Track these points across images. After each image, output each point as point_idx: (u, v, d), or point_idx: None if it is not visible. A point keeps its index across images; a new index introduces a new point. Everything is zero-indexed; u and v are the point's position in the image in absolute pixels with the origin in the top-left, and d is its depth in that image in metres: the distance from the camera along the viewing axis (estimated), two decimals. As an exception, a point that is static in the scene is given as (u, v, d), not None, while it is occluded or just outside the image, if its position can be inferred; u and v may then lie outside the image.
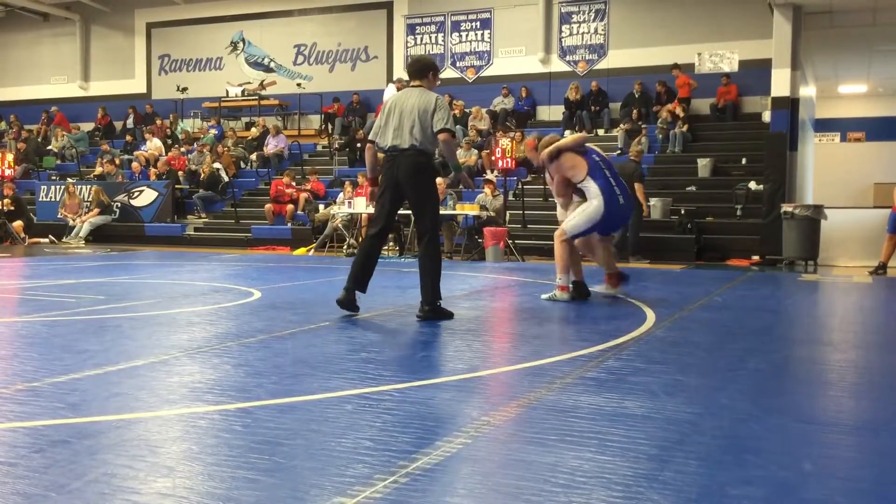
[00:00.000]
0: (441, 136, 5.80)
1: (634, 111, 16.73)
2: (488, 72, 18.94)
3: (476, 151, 16.33)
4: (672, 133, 15.83)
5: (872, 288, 9.33)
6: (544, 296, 7.12)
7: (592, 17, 17.96)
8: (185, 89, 20.89)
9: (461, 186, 5.97)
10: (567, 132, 17.13)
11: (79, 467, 2.51)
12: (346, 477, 2.45)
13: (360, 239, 13.62)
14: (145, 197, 17.38)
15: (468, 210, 12.98)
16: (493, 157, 14.48)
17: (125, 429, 2.96)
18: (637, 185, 11.84)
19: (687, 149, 15.76)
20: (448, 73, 19.29)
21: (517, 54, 18.65)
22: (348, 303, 5.89)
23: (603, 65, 17.85)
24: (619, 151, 16.23)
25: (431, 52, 19.38)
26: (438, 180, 6.01)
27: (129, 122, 21.85)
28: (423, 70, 6.08)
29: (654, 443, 2.84)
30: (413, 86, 6.05)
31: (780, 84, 13.33)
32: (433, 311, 5.79)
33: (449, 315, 5.84)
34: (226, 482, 2.41)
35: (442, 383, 3.79)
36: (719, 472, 2.55)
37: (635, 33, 17.48)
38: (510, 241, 12.68)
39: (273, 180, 16.72)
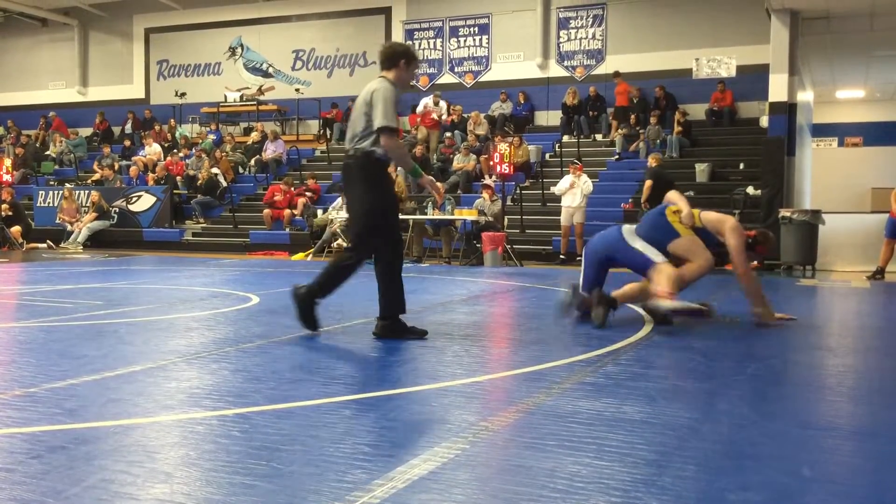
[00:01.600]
0: (381, 139, 4.87)
1: (632, 116, 16.75)
2: (486, 77, 18.97)
3: (474, 156, 16.35)
4: (669, 138, 15.85)
5: (870, 293, 9.33)
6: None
7: (590, 23, 17.99)
8: (183, 94, 20.89)
9: (437, 197, 5.43)
10: (565, 137, 17.19)
11: (76, 473, 2.51)
12: (344, 482, 2.44)
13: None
14: (143, 202, 17.39)
15: (466, 215, 13.00)
16: (491, 162, 14.50)
17: (123, 434, 2.95)
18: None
19: (685, 154, 15.78)
20: (446, 78, 19.34)
21: (515, 60, 18.67)
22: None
23: (601, 70, 17.88)
24: (616, 156, 16.27)
25: (430, 58, 19.42)
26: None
27: (128, 128, 21.86)
28: (392, 59, 5.09)
29: (652, 448, 2.84)
30: (378, 77, 5.16)
31: (778, 89, 13.37)
32: (393, 327, 5.06)
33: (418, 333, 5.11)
34: (223, 488, 2.41)
35: (440, 388, 3.78)
36: (718, 478, 2.55)
37: (633, 39, 17.52)
38: (508, 246, 12.69)
39: (271, 185, 16.73)
